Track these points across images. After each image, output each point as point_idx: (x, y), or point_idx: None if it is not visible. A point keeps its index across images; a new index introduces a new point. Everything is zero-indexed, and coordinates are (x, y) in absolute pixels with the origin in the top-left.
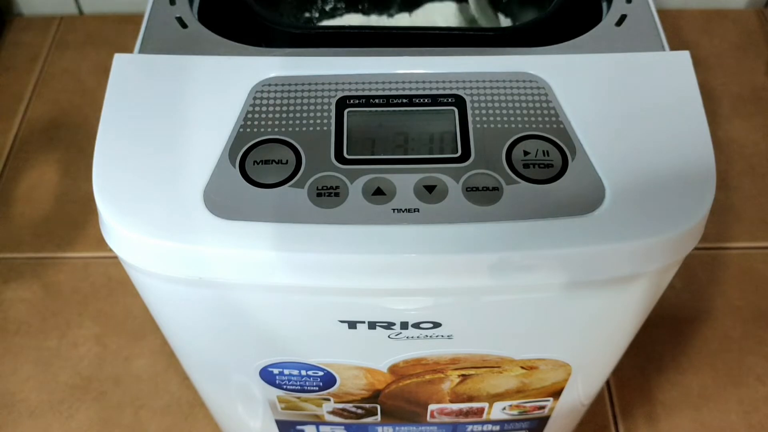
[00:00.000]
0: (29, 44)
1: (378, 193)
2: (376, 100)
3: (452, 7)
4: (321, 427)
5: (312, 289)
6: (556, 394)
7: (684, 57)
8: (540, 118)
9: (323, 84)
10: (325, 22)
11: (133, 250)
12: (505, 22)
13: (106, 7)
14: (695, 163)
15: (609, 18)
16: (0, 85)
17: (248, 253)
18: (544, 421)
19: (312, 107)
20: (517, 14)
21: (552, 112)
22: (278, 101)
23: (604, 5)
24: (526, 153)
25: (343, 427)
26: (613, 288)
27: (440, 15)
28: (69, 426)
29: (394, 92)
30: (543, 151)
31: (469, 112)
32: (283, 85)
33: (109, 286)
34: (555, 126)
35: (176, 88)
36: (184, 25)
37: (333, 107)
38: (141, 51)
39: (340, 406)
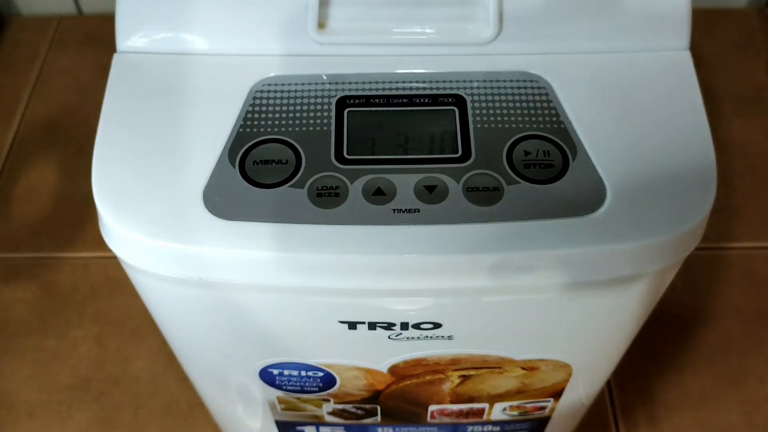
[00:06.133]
0: (28, 44)
1: (378, 194)
2: (376, 100)
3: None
4: (321, 428)
5: (312, 289)
6: (557, 394)
7: (685, 57)
8: (541, 118)
9: (323, 84)
10: None
11: (132, 250)
12: None
13: (105, 6)
14: (696, 163)
15: None
16: None
17: (248, 253)
18: (544, 421)
19: (312, 107)
20: None
21: (553, 111)
22: (278, 101)
23: None
24: (526, 153)
25: (343, 427)
26: (614, 288)
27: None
28: (68, 426)
29: (394, 92)
30: (544, 151)
31: (470, 111)
32: (283, 84)
33: (108, 287)
34: (556, 126)
35: (176, 88)
36: None
37: (333, 107)
38: (140, 50)
39: (340, 406)
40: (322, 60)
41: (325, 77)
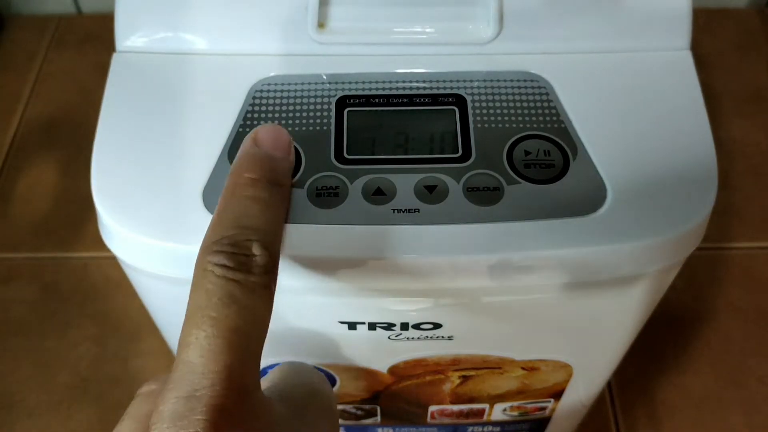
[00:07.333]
0: (28, 43)
1: (378, 193)
2: (376, 100)
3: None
4: None
5: (312, 289)
6: (557, 395)
7: (685, 56)
8: (541, 118)
9: (323, 83)
10: None
11: (131, 250)
12: None
13: (104, 6)
14: (697, 164)
15: None
16: None
17: None
18: (544, 422)
19: (312, 107)
20: None
21: (553, 111)
22: (278, 101)
23: None
24: (527, 153)
25: (343, 428)
26: (614, 289)
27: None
28: (68, 426)
29: (394, 92)
30: (544, 151)
31: (470, 111)
32: (282, 84)
33: (108, 287)
34: (556, 126)
35: (175, 88)
36: None
37: (333, 107)
38: (140, 50)
39: (340, 407)
40: (322, 60)
41: (324, 77)
